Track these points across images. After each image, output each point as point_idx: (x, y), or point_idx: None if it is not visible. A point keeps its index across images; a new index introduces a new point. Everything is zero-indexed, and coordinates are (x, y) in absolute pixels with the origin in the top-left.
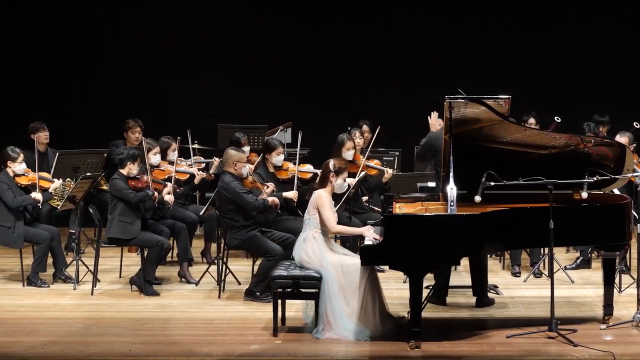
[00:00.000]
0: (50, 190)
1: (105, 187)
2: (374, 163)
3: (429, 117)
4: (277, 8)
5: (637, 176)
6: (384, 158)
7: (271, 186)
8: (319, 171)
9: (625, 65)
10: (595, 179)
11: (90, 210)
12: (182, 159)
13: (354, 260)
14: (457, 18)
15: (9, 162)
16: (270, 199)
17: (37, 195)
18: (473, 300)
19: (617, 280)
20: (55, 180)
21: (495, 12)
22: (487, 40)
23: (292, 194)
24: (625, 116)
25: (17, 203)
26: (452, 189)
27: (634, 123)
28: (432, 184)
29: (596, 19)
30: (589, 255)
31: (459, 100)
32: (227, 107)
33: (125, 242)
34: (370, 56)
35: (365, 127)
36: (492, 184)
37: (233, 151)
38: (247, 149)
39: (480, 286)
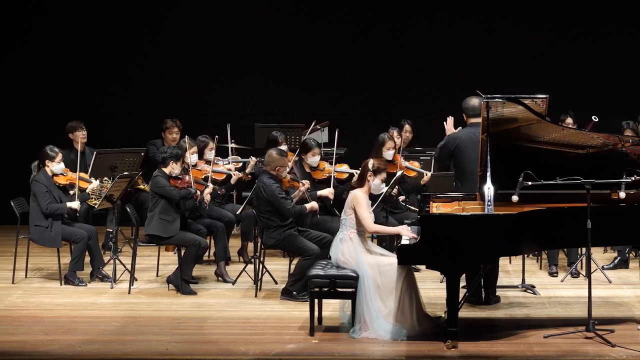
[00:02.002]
0: (87, 190)
1: (142, 187)
2: (414, 165)
3: (444, 122)
4: (315, 6)
5: None
6: (421, 157)
7: (306, 183)
8: (355, 171)
9: None
10: (633, 178)
11: (128, 210)
12: (219, 158)
13: (391, 260)
14: (497, 18)
15: (47, 161)
16: (308, 205)
17: (73, 204)
18: (510, 300)
19: None
20: (93, 180)
21: (535, 13)
22: (526, 41)
23: (327, 192)
24: None
25: (51, 210)
26: (489, 189)
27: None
28: None
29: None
30: (627, 255)
31: (497, 99)
32: (264, 105)
33: (163, 240)
34: (408, 55)
35: (407, 127)
36: (530, 183)
37: (277, 156)
38: (284, 148)
39: (490, 284)
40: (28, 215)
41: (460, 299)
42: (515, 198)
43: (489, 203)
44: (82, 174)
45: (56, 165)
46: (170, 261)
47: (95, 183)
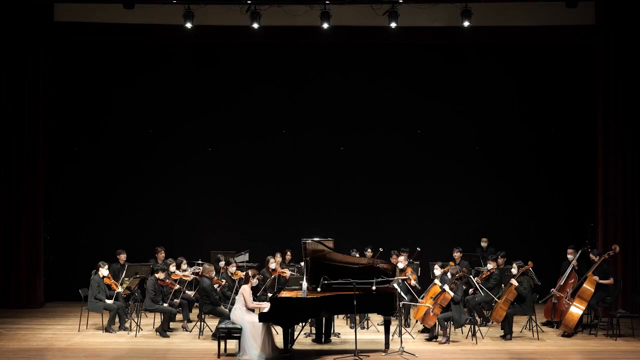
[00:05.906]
0: (117, 290)
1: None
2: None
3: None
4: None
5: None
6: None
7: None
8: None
9: None
10: (380, 279)
11: (135, 295)
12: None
13: (257, 318)
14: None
15: (100, 268)
16: None
17: (109, 301)
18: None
19: None
20: (120, 287)
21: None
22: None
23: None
24: None
25: (91, 304)
26: (304, 284)
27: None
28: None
29: None
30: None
31: (310, 240)
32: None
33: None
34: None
35: (288, 253)
36: (326, 282)
37: (207, 266)
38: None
39: (321, 331)
40: (88, 296)
41: (294, 338)
42: (318, 289)
43: (304, 291)
44: (116, 282)
45: (103, 270)
46: (159, 322)
47: (120, 288)
